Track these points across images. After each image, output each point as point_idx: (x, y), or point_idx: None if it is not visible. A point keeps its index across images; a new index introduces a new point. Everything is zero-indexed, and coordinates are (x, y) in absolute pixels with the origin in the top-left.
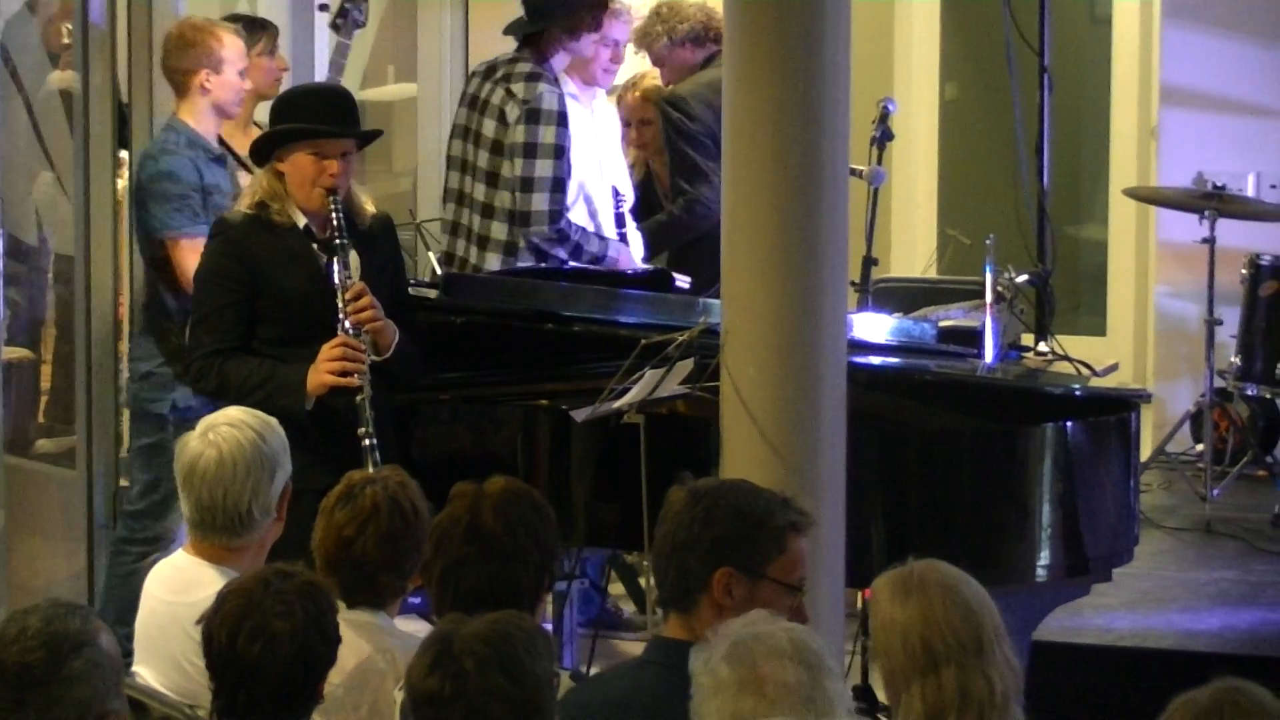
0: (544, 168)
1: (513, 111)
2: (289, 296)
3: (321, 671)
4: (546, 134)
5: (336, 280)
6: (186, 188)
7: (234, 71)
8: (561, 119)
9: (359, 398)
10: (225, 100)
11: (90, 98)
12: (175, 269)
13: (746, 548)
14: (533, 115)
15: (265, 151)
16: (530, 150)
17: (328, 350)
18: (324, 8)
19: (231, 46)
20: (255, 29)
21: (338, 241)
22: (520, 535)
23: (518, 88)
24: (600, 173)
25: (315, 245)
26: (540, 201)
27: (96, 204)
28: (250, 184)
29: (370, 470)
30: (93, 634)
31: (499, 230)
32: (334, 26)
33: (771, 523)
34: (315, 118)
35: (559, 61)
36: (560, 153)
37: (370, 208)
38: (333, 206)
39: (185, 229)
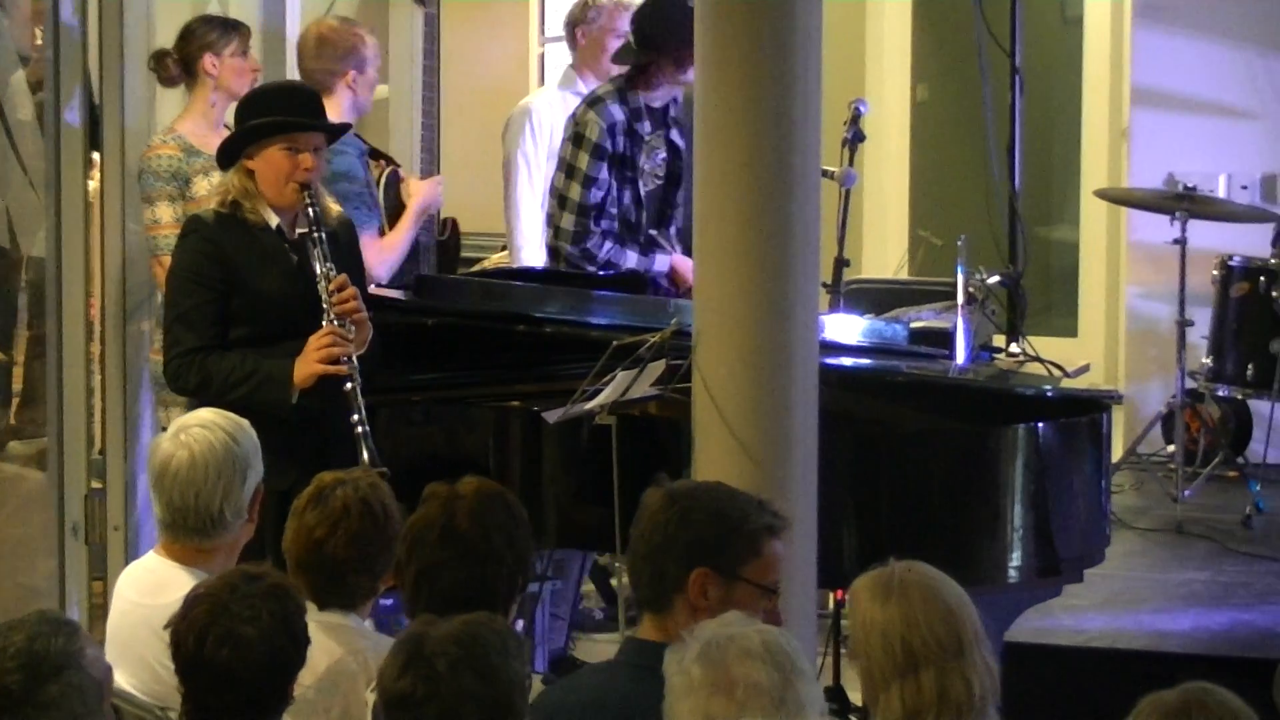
0: (574, 190)
1: (568, 129)
2: (265, 296)
3: (291, 674)
4: (580, 159)
5: (319, 271)
6: (360, 184)
7: (374, 71)
8: (598, 151)
9: (348, 386)
10: (366, 99)
11: (61, 98)
12: None
13: (722, 549)
14: (576, 139)
15: (235, 151)
16: (568, 171)
17: (317, 340)
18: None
19: (371, 47)
20: (228, 30)
21: (316, 234)
22: (496, 538)
23: (580, 109)
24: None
25: (288, 245)
26: (568, 221)
27: (68, 205)
28: (220, 184)
29: (365, 458)
30: (75, 654)
31: (548, 236)
32: None
33: (747, 525)
34: (285, 113)
35: (662, 94)
36: (589, 182)
37: (335, 208)
38: (308, 200)
39: (364, 225)
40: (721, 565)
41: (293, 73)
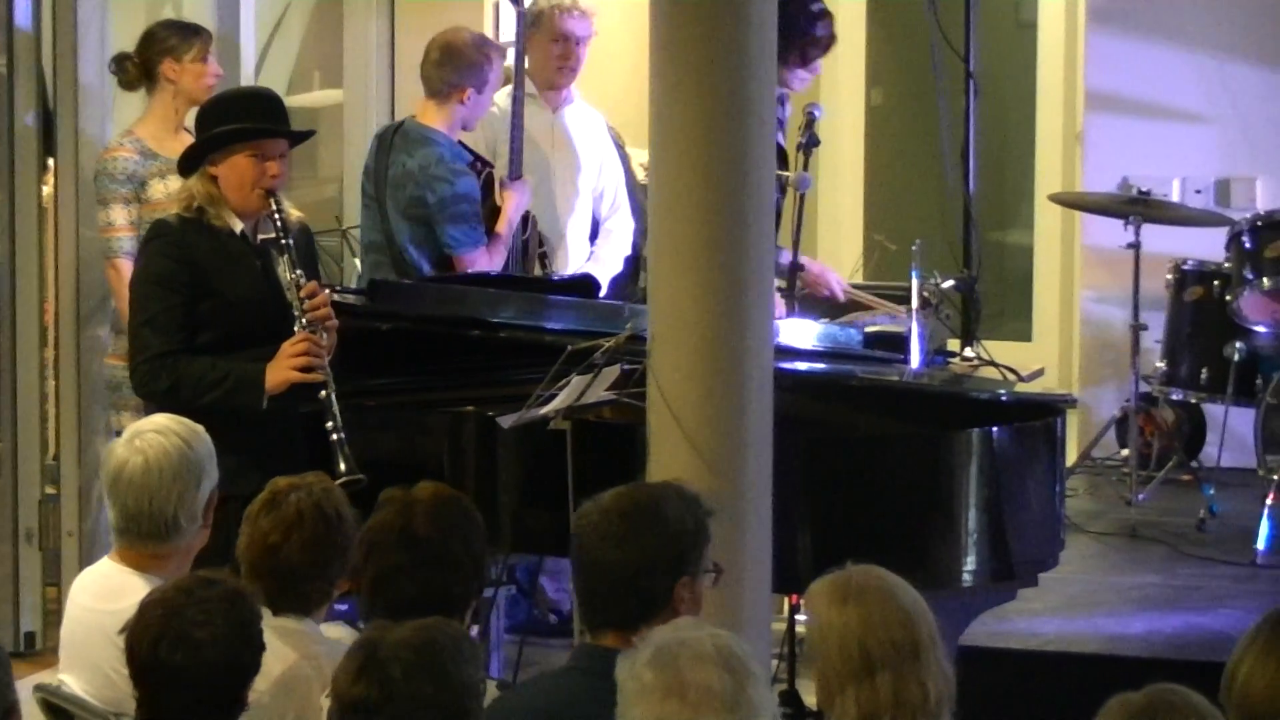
0: None
1: None
2: (233, 300)
3: (246, 679)
4: None
5: (289, 277)
6: (478, 205)
7: (491, 93)
8: None
9: (323, 394)
10: (473, 118)
11: (16, 102)
12: None
13: (690, 555)
14: None
15: (199, 156)
16: None
17: (291, 346)
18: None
19: (497, 69)
20: (189, 35)
21: (285, 241)
22: (453, 543)
23: None
24: (563, 178)
25: (253, 250)
26: None
27: (22, 210)
28: (183, 189)
29: (341, 467)
30: None
31: None
32: None
33: (699, 522)
34: (251, 120)
35: None
36: None
37: (295, 213)
38: (275, 207)
39: (475, 244)
40: (694, 568)
41: (247, 78)
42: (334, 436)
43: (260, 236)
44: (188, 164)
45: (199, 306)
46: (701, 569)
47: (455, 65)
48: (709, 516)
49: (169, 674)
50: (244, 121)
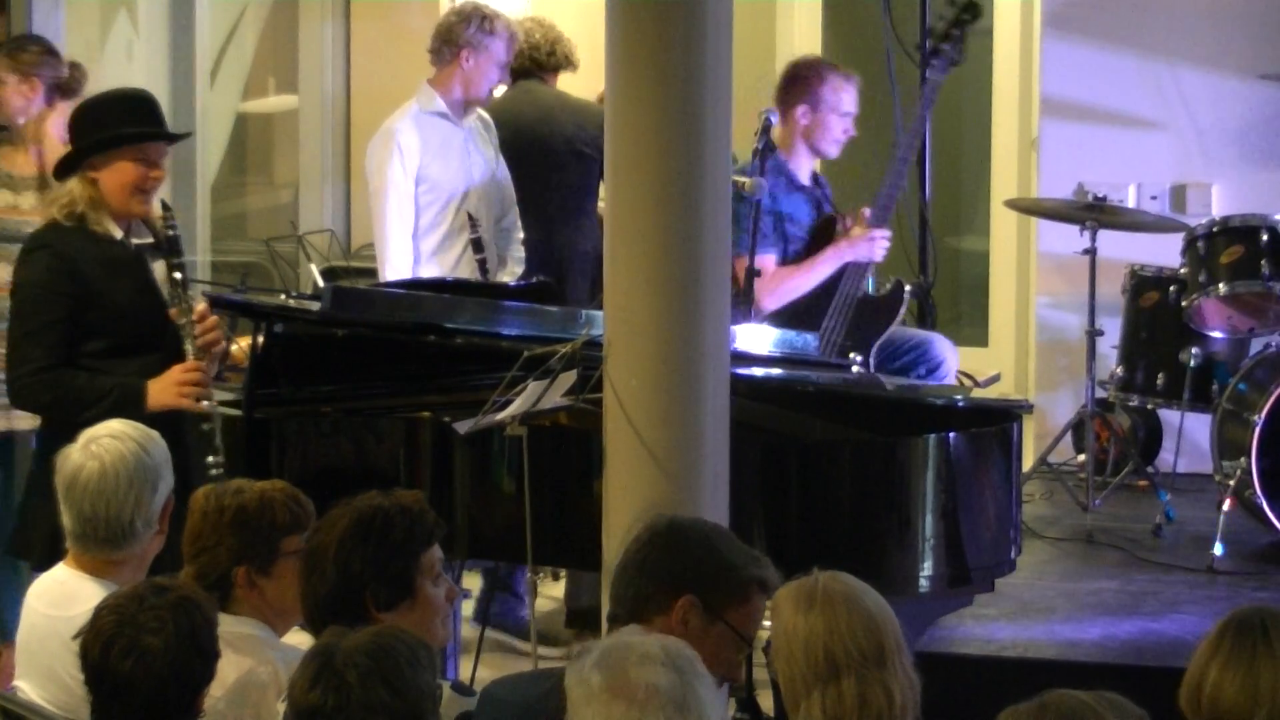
0: None
1: None
2: (119, 308)
3: (197, 686)
4: None
5: (180, 294)
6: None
7: (836, 116)
8: None
9: (206, 426)
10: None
11: None
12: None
13: (715, 586)
14: None
15: (77, 161)
16: None
17: (181, 373)
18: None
19: (834, 90)
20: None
21: (177, 261)
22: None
23: None
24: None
25: (134, 256)
26: None
27: None
28: (63, 194)
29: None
30: None
31: None
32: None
33: (744, 572)
34: (137, 123)
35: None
36: None
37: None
38: (166, 217)
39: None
40: (709, 600)
41: (202, 84)
42: (212, 473)
43: (135, 241)
44: (66, 167)
45: (86, 316)
46: (719, 611)
47: (794, 90)
48: (760, 581)
49: (120, 681)
50: (126, 125)
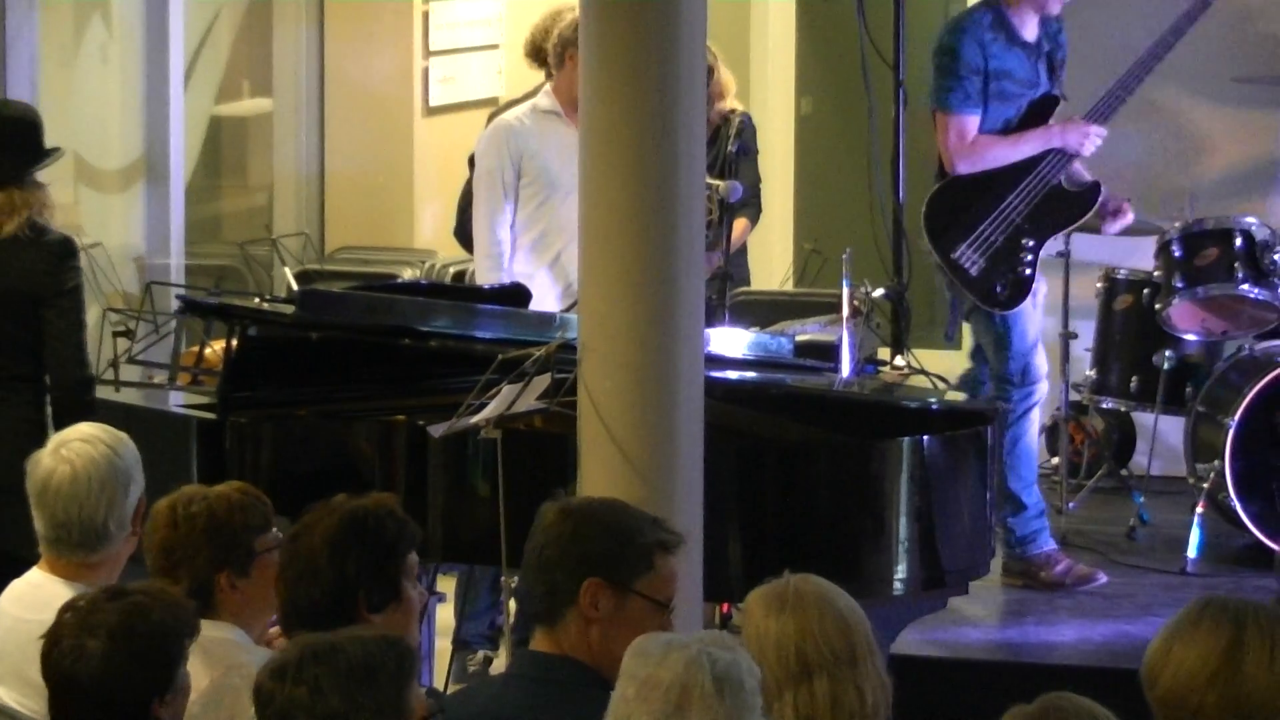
0: None
1: None
2: None
3: (147, 694)
4: None
5: None
6: (966, 69)
7: None
8: None
9: None
10: None
11: None
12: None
13: (614, 561)
14: None
15: None
16: None
17: None
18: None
19: None
20: None
21: None
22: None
23: None
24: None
25: None
26: None
27: None
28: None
29: None
30: None
31: None
32: None
33: (640, 539)
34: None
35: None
36: None
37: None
38: None
39: (956, 108)
40: (613, 577)
41: (176, 87)
42: None
43: None
44: None
45: None
46: (627, 584)
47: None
48: (661, 543)
49: (65, 682)
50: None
